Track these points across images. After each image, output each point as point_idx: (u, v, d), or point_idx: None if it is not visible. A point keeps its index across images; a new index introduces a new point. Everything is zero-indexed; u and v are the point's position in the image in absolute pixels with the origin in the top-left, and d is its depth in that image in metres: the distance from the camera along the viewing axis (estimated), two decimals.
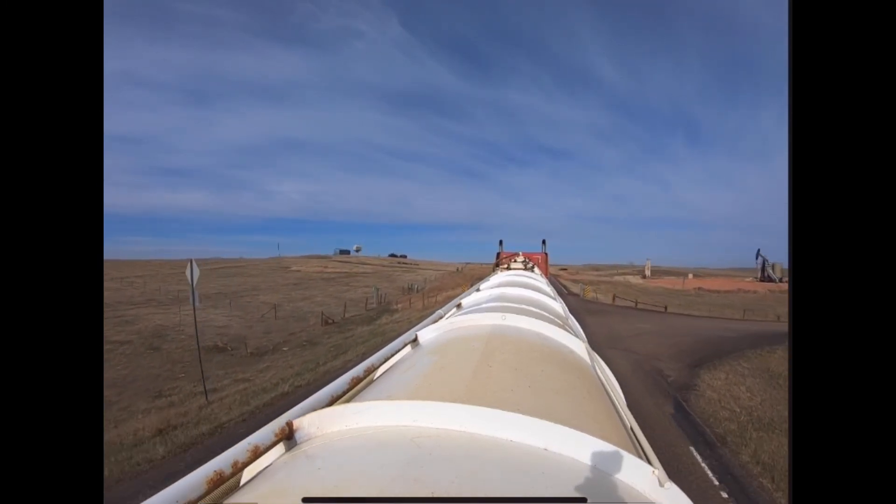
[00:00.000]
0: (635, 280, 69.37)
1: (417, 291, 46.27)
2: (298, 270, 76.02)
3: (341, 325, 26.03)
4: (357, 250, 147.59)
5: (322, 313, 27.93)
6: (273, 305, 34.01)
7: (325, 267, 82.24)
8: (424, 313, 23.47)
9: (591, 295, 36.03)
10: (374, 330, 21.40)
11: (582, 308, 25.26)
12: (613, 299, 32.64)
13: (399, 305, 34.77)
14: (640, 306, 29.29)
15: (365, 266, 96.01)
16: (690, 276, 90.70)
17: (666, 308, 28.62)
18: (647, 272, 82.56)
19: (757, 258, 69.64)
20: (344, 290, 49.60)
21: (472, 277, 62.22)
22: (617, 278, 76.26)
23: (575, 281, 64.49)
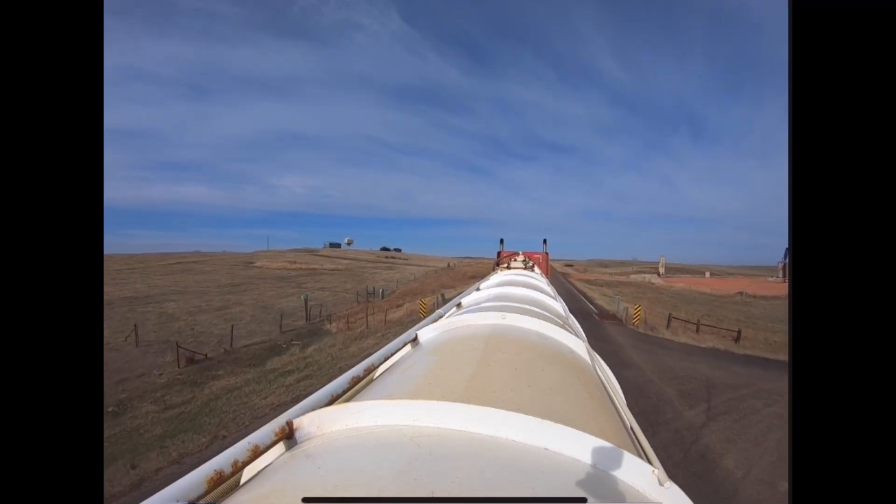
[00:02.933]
0: (657, 281, 59.56)
1: (383, 297, 36.24)
2: (260, 267, 66.56)
3: (209, 367, 16.22)
4: (349, 243, 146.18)
5: (177, 345, 17.69)
6: (144, 324, 24.30)
7: (293, 263, 72.00)
8: (358, 347, 15.86)
9: (640, 315, 20.29)
10: (242, 387, 12.90)
11: (659, 368, 12.08)
12: (669, 321, 19.62)
13: (334, 325, 24.20)
14: (705, 331, 18.28)
15: (343, 261, 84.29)
16: (707, 274, 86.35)
17: (740, 333, 17.10)
18: (662, 269, 75.59)
19: (784, 257, 67.61)
20: (288, 295, 39.68)
21: (463, 277, 52.46)
22: (634, 277, 66.80)
23: (589, 282, 53.42)
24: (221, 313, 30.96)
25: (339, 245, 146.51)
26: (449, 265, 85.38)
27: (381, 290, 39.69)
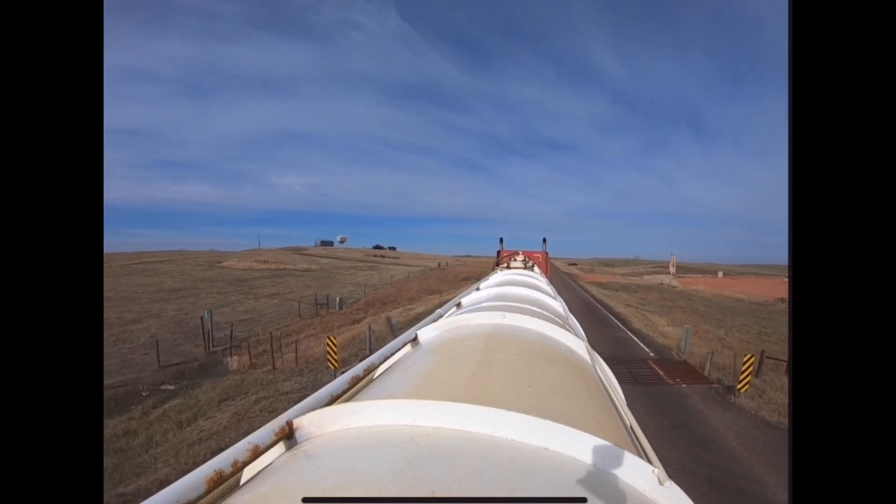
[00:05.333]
0: (677, 284, 52.95)
1: (340, 308, 28.00)
2: (225, 267, 58.07)
3: None
4: (342, 241, 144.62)
5: None
6: None
7: (264, 262, 62.76)
8: (195, 433, 10.15)
9: (751, 372, 10.01)
10: None
11: None
12: (761, 364, 11.54)
13: (237, 359, 16.23)
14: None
15: (323, 260, 73.53)
16: (720, 273, 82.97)
17: None
18: (673, 269, 70.78)
19: None
20: (228, 304, 31.05)
21: (455, 279, 45.27)
22: (648, 278, 61.13)
23: (602, 285, 45.76)
24: (121, 331, 23.56)
25: (331, 243, 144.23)
26: (440, 265, 75.11)
27: (338, 300, 29.64)
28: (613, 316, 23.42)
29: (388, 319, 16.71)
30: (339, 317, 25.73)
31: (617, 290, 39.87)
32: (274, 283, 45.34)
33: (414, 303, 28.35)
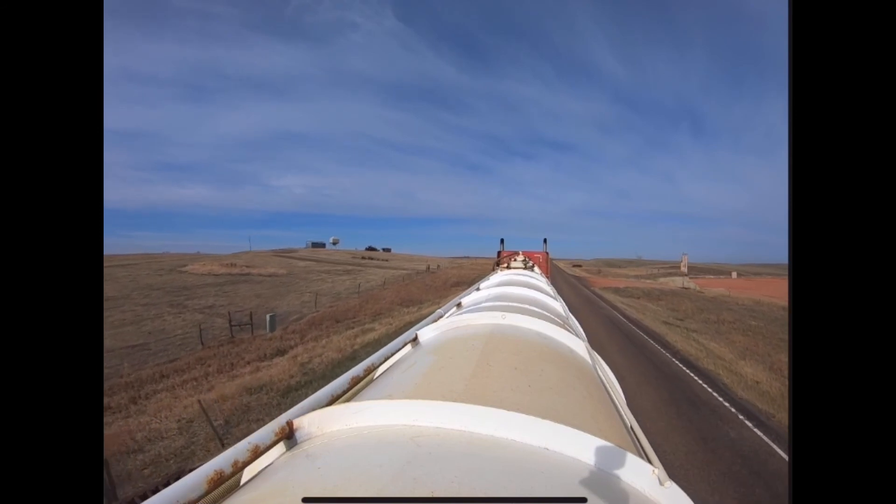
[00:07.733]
0: (700, 288, 45.66)
1: (272, 329, 20.57)
2: (185, 272, 51.02)
3: None
4: (334, 243, 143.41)
5: None
6: None
7: (232, 265, 55.00)
8: None
9: None
10: None
11: None
12: None
13: None
14: None
15: (297, 264, 64.76)
16: (734, 274, 78.99)
17: None
18: (684, 268, 68.09)
19: None
20: (146, 318, 24.38)
21: (444, 284, 39.95)
22: (664, 281, 54.58)
23: (618, 291, 37.53)
24: None
25: (323, 245, 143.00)
26: (428, 267, 66.50)
27: (267, 318, 21.86)
28: (677, 358, 13.00)
29: (200, 403, 9.39)
30: (260, 344, 18.14)
31: (639, 298, 32.59)
32: (219, 292, 37.72)
33: (378, 319, 21.70)
